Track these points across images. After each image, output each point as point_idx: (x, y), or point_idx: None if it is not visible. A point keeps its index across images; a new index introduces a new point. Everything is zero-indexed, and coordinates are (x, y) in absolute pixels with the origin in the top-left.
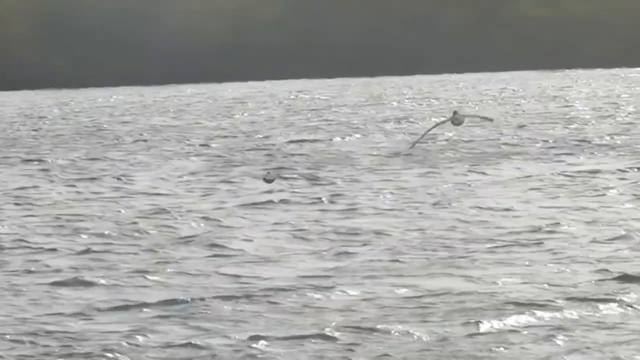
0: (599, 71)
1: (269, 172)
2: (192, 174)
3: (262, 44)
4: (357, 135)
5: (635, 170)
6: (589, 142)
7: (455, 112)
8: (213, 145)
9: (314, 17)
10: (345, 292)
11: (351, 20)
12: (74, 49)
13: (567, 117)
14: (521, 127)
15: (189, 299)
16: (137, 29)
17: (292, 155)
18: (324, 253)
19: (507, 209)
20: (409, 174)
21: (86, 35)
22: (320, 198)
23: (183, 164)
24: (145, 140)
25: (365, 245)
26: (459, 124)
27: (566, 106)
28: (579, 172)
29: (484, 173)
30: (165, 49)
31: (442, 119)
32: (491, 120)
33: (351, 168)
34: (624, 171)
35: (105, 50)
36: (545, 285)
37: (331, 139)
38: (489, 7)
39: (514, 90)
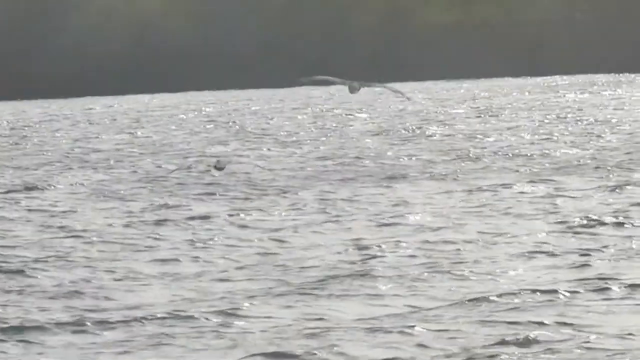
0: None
1: (219, 160)
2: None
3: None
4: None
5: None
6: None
7: (358, 84)
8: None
9: (217, 26)
10: None
11: (255, 28)
12: None
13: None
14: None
15: None
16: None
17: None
18: None
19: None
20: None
21: None
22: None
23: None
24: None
25: None
26: (353, 91)
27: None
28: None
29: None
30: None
31: (343, 81)
32: (408, 98)
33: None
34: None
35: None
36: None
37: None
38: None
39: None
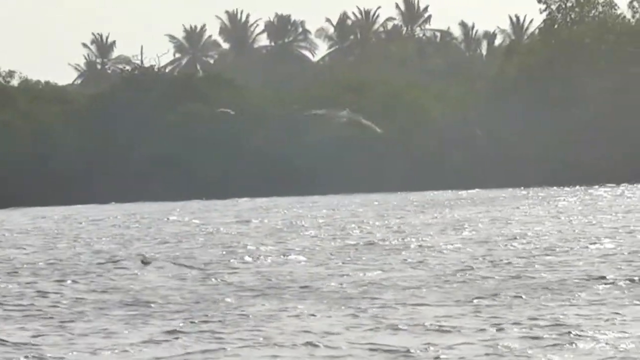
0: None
1: (145, 256)
2: None
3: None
4: None
5: None
6: None
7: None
8: None
9: (115, 140)
10: None
11: (151, 143)
12: None
13: None
14: None
15: None
16: None
17: None
18: None
19: None
20: None
21: None
22: None
23: None
24: None
25: None
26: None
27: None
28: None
29: None
30: None
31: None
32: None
33: None
34: None
35: None
36: None
37: None
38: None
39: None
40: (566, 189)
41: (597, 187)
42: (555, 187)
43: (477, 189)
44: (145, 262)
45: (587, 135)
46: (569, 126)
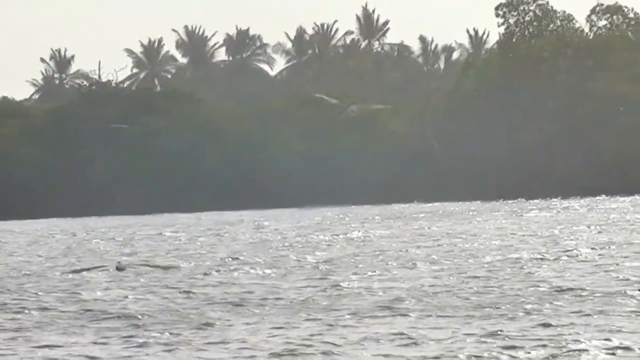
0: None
1: (119, 262)
2: None
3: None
4: None
5: None
6: None
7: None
8: None
9: (77, 156)
10: None
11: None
12: None
13: None
14: None
15: None
16: None
17: None
18: None
19: None
20: None
21: None
22: None
23: None
24: None
25: None
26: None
27: None
28: None
29: None
30: None
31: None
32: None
33: None
34: None
35: None
36: None
37: None
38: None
39: None
40: (531, 201)
41: (558, 199)
42: (514, 200)
43: (437, 202)
44: (120, 269)
45: (546, 148)
46: (527, 139)
